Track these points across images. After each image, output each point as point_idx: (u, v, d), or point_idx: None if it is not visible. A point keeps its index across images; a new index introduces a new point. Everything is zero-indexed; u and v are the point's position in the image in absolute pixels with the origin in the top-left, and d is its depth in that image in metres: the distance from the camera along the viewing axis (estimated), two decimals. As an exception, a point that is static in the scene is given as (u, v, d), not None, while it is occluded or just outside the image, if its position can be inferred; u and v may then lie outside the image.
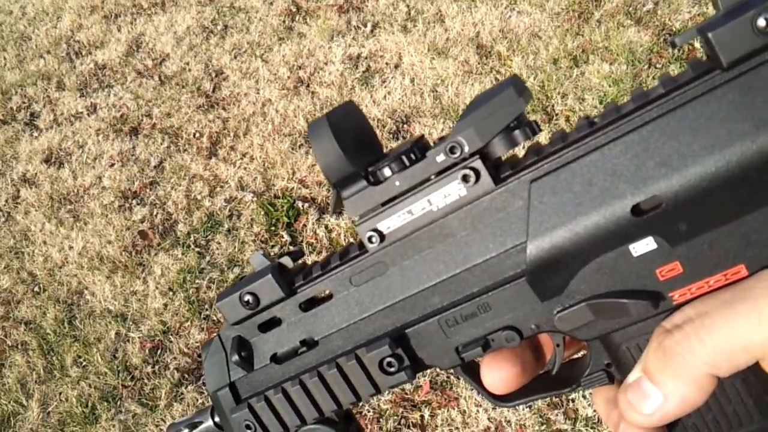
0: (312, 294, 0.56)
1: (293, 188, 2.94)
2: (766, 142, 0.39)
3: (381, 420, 2.19)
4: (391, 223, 0.51)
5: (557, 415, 2.04)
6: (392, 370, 0.53)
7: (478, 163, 0.47)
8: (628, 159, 0.43)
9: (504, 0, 3.32)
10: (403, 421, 2.17)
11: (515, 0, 3.30)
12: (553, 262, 0.46)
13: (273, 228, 2.83)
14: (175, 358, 2.56)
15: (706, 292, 0.44)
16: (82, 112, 3.77)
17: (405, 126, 2.98)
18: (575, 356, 0.57)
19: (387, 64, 3.31)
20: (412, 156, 0.49)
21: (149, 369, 2.56)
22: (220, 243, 2.87)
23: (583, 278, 0.46)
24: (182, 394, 2.45)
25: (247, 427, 0.60)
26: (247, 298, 0.56)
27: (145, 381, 2.54)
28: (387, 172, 0.49)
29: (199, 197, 3.08)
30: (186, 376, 2.51)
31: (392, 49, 3.35)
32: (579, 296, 0.47)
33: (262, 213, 2.89)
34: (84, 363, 2.67)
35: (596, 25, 3.05)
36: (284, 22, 3.79)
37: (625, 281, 0.45)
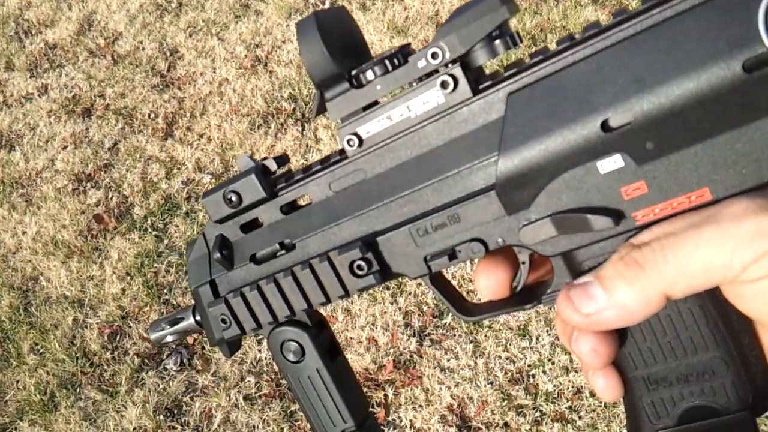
0: (292, 198, 0.58)
1: (252, 169, 2.91)
2: (739, 64, 0.38)
3: (344, 400, 2.19)
4: (371, 128, 0.52)
5: (518, 390, 2.08)
6: (361, 273, 0.55)
7: (457, 71, 0.47)
8: (603, 74, 0.43)
9: (462, -22, 3.30)
10: (366, 401, 2.18)
11: (473, -22, 3.29)
12: (522, 176, 0.46)
13: (232, 210, 2.80)
14: (134, 343, 2.53)
15: (670, 213, 0.44)
16: (32, 94, 3.66)
17: (364, 105, 2.96)
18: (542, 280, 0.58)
19: (345, 42, 3.28)
20: (395, 61, 0.49)
21: (108, 355, 2.52)
22: (178, 226, 2.83)
23: (549, 193, 0.46)
24: (143, 379, 2.42)
25: (223, 321, 0.62)
26: (231, 196, 0.58)
27: (105, 367, 2.50)
28: (370, 75, 0.50)
29: (155, 179, 3.03)
30: (146, 361, 2.48)
31: (351, 28, 3.32)
32: (544, 211, 0.47)
33: (221, 195, 2.85)
34: (41, 350, 2.62)
35: (554, 4, 3.05)
36: (240, -1, 3.72)
37: (589, 198, 0.45)
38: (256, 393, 2.29)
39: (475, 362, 2.16)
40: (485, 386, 2.10)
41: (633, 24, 0.42)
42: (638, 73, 0.41)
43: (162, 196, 2.95)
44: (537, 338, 2.16)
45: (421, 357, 2.22)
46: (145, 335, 2.53)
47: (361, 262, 0.54)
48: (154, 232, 2.84)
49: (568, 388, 2.05)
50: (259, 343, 2.38)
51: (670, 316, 0.47)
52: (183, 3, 3.84)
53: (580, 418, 2.00)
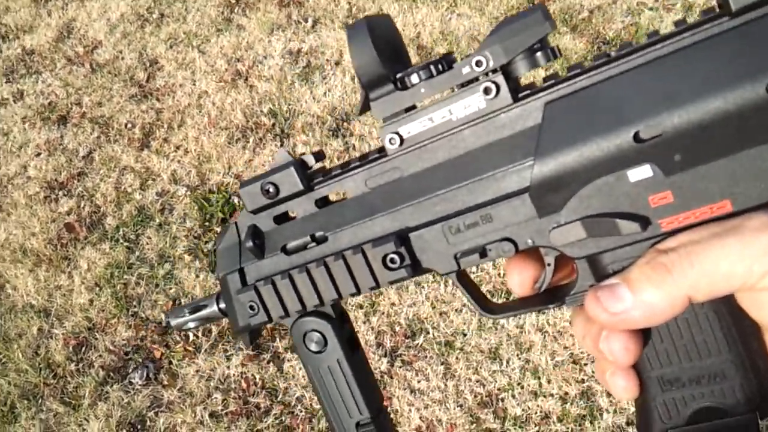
0: (328, 192, 0.60)
1: (229, 183, 2.89)
2: (762, 86, 0.42)
3: (313, 420, 2.17)
4: (412, 128, 0.55)
5: (487, 414, 2.07)
6: (394, 266, 0.57)
7: (500, 78, 0.51)
8: (636, 90, 0.46)
9: (444, 2, 3.33)
10: (334, 421, 2.15)
11: (455, 2, 3.32)
12: (557, 180, 0.49)
13: (207, 223, 2.77)
14: (100, 355, 2.48)
15: (693, 223, 0.47)
16: (7, 99, 3.62)
17: (345, 124, 2.96)
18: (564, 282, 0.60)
19: (327, 60, 3.29)
20: (440, 66, 0.52)
21: (73, 367, 2.47)
22: (150, 238, 2.80)
23: (581, 198, 0.49)
24: (107, 393, 2.37)
25: (251, 307, 0.63)
26: (269, 187, 0.60)
27: (68, 379, 2.45)
28: (414, 78, 0.53)
29: (129, 190, 2.99)
30: (111, 374, 2.43)
31: (333, 46, 3.33)
32: (575, 214, 0.50)
33: (196, 208, 2.82)
34: (4, 360, 2.56)
35: (534, 31, 3.09)
36: (222, 13, 3.71)
37: (619, 204, 0.48)
38: (222, 410, 2.25)
39: (446, 384, 2.15)
40: (454, 409, 2.09)
41: (666, 45, 0.46)
42: (669, 90, 0.45)
43: (135, 206, 2.92)
44: (507, 362, 2.16)
45: (392, 378, 2.21)
46: (111, 347, 2.48)
47: (395, 256, 0.56)
48: (126, 243, 2.80)
49: (536, 413, 2.05)
50: (228, 359, 2.35)
51: (687, 320, 0.50)
52: (164, 14, 3.83)
53: (548, 443, 1.99)
